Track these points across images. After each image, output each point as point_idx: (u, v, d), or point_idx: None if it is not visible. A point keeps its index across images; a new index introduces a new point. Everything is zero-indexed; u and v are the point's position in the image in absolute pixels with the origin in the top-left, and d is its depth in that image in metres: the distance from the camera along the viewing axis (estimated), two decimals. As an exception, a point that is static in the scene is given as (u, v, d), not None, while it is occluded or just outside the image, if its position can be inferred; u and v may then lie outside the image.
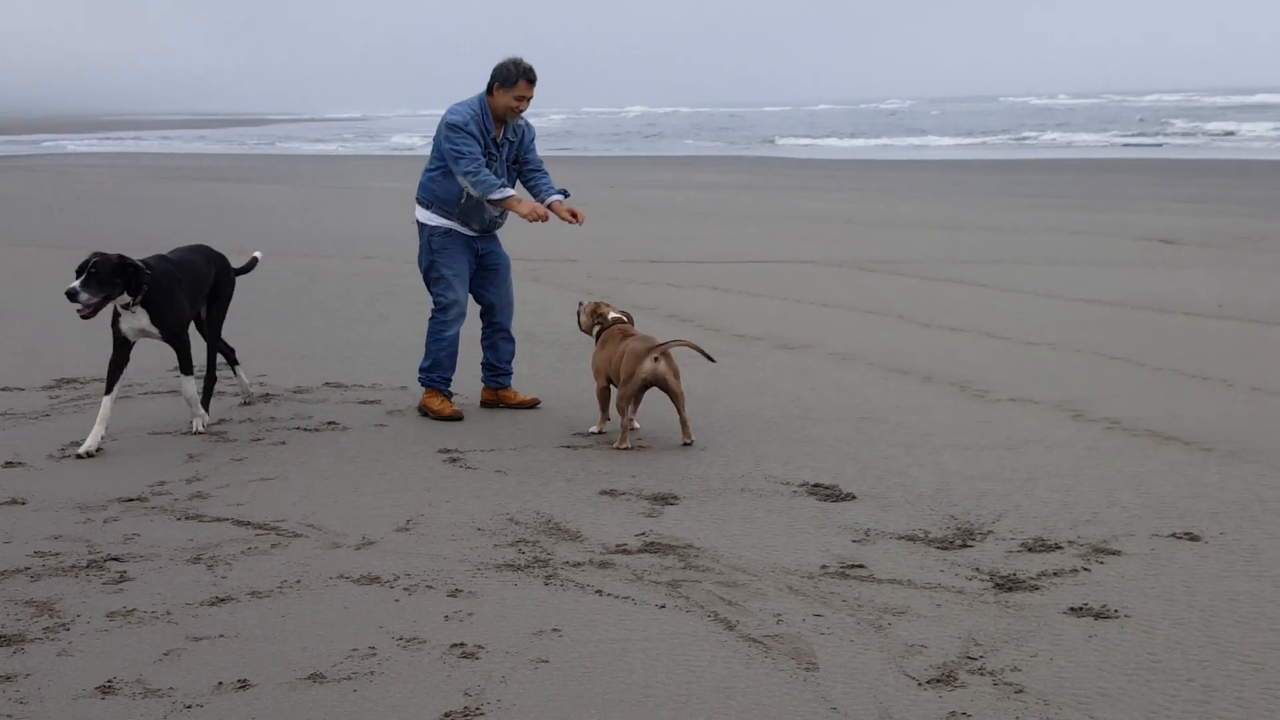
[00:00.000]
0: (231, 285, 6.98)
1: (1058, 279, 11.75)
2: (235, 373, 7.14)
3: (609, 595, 4.23)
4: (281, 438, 6.33)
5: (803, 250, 14.34)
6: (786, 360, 8.28)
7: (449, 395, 6.86)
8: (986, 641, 3.86)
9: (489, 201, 6.67)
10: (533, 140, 6.96)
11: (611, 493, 5.41)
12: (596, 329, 6.63)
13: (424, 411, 6.78)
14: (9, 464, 5.82)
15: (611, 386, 6.39)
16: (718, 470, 5.76)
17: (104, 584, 4.36)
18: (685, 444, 6.21)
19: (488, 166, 6.67)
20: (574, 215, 6.73)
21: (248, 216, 19.09)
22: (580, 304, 6.86)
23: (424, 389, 6.86)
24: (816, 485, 5.50)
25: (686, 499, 5.32)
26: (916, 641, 3.86)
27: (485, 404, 7.05)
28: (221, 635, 3.94)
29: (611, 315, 6.62)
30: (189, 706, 3.48)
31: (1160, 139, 43.06)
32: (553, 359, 8.22)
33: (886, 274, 12.34)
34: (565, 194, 6.89)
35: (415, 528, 4.96)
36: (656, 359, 6.11)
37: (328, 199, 22.94)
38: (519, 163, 6.91)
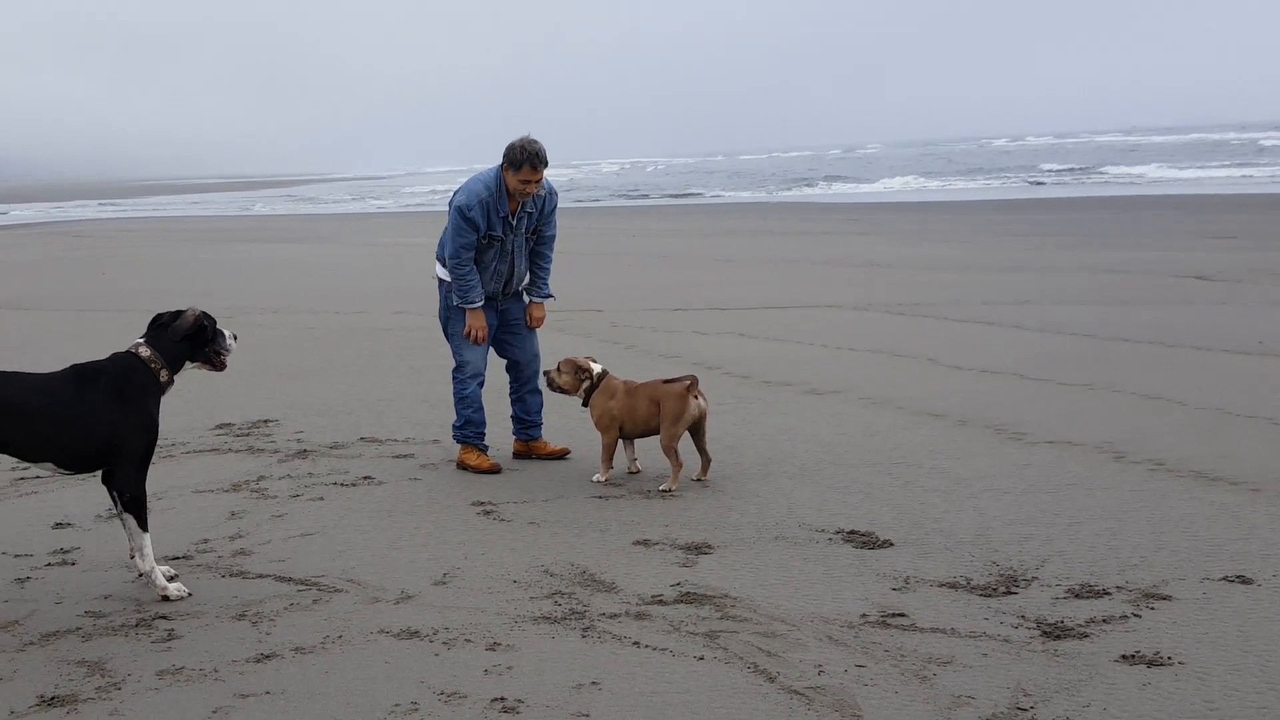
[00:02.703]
0: None
1: (1091, 318, 11.67)
2: None
3: (647, 647, 4.21)
4: (320, 493, 6.36)
5: (827, 295, 14.34)
6: (816, 405, 8.25)
7: (484, 449, 6.89)
8: (1036, 691, 3.80)
9: (453, 293, 6.78)
10: (553, 210, 6.94)
11: (645, 543, 5.40)
12: (586, 384, 6.64)
13: (463, 466, 6.80)
14: (58, 525, 5.89)
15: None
16: (751, 518, 5.73)
17: (153, 643, 4.39)
18: (700, 480, 6.35)
19: (492, 245, 6.70)
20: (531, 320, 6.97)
21: (278, 275, 19.31)
22: (550, 371, 6.76)
23: (460, 445, 6.89)
24: (852, 532, 5.45)
25: (720, 548, 5.30)
26: (964, 692, 3.80)
27: (517, 455, 7.08)
28: (268, 692, 3.94)
29: (596, 368, 6.67)
30: (237, 766, 3.48)
31: (1198, 172, 43.92)
32: (581, 409, 8.22)
33: (914, 316, 12.30)
34: (551, 297, 7.04)
35: (452, 581, 4.96)
36: (697, 396, 6.31)
37: (355, 256, 23.18)
38: (536, 232, 6.92)
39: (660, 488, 6.27)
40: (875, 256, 18.98)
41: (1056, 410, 7.83)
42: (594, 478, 6.50)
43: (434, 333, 11.43)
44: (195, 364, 5.15)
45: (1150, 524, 5.45)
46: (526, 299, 7.02)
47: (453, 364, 6.99)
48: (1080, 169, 50.78)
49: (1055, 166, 53.23)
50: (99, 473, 4.88)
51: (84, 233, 34.48)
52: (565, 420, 7.82)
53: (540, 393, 7.13)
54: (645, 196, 49.12)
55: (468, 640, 4.31)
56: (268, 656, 4.21)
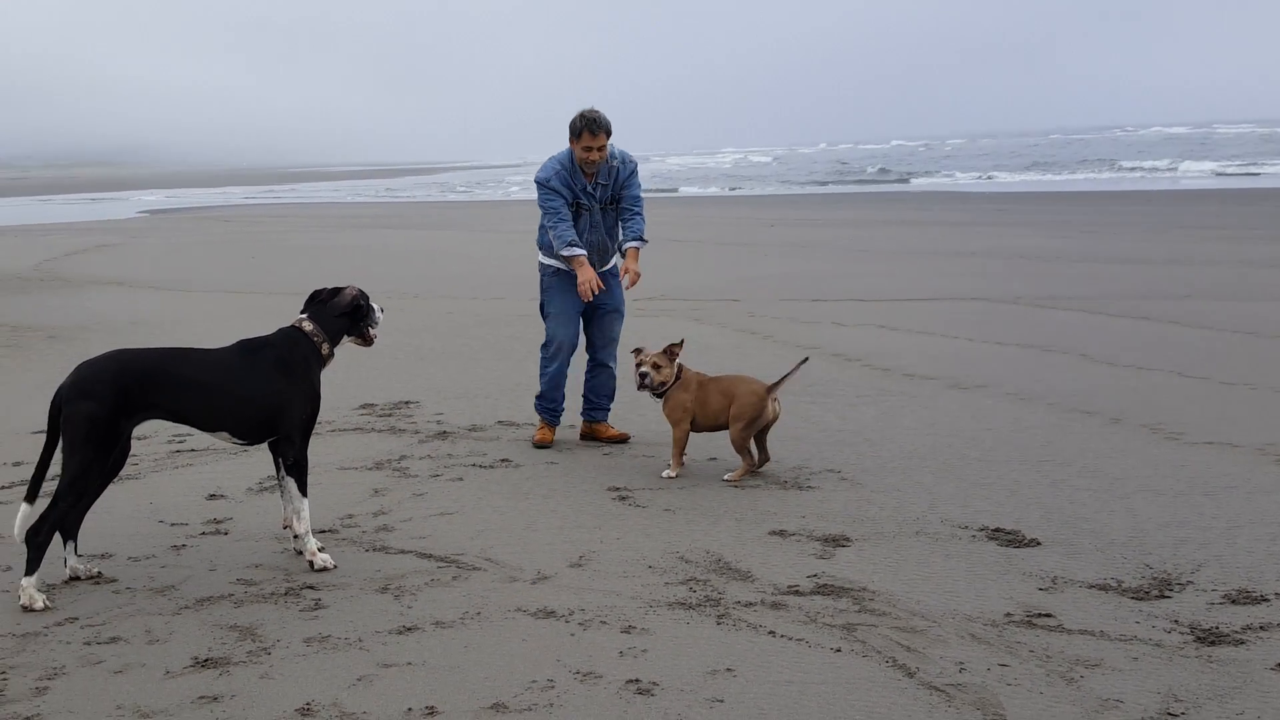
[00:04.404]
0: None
1: (1254, 315, 11.10)
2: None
3: (782, 636, 4.17)
4: (459, 474, 6.50)
5: (971, 286, 13.98)
6: (961, 400, 8.05)
7: (553, 425, 7.15)
8: (1188, 698, 3.64)
9: (559, 255, 6.89)
10: (630, 175, 7.00)
11: (781, 533, 5.35)
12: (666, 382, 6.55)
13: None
14: (212, 496, 6.15)
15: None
16: (890, 512, 5.62)
17: (301, 611, 4.54)
18: (730, 478, 6.26)
19: (579, 216, 6.88)
20: (626, 275, 6.86)
21: (418, 261, 19.80)
22: (641, 352, 6.51)
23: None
24: (997, 530, 5.30)
25: (859, 541, 5.21)
26: (1112, 696, 3.66)
27: (583, 436, 7.25)
28: (409, 663, 4.04)
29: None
30: (380, 731, 3.57)
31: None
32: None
33: (1065, 310, 11.90)
34: (643, 240, 6.95)
35: (588, 564, 5.00)
36: (775, 399, 6.30)
37: (493, 242, 23.60)
38: (617, 200, 7.02)
39: (724, 477, 6.29)
40: (1021, 248, 18.42)
41: (1216, 410, 7.48)
42: (664, 474, 6.39)
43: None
44: (350, 338, 5.39)
45: (1317, 530, 5.15)
46: (619, 261, 7.06)
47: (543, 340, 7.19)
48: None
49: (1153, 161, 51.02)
50: (253, 447, 5.09)
51: (234, 218, 36.00)
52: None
53: (614, 376, 7.24)
54: (792, 184, 48.76)
55: (603, 622, 4.34)
56: (409, 629, 4.31)
